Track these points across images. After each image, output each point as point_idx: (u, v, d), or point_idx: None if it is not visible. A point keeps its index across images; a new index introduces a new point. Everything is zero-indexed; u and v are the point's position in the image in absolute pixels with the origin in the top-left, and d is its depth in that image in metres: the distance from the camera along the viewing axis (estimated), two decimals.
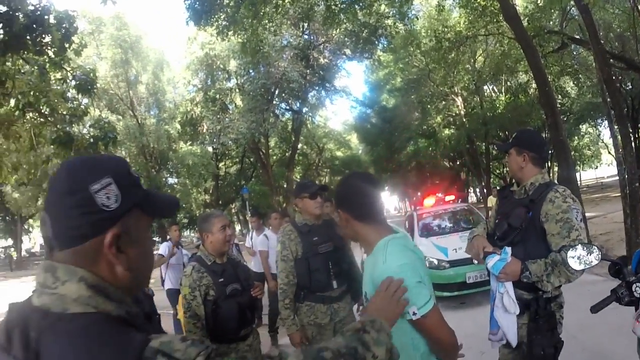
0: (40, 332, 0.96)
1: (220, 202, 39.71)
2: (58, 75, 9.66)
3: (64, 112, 9.94)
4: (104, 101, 29.46)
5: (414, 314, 1.74)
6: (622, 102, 28.41)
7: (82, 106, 10.57)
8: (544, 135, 28.84)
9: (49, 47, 8.69)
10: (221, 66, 27.74)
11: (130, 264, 1.10)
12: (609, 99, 10.13)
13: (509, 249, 2.70)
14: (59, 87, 9.58)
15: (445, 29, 21.92)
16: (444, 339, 1.81)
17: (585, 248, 2.29)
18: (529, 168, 2.95)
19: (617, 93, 10.67)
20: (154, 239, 43.03)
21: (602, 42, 18.61)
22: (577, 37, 15.10)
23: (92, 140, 9.63)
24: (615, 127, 10.28)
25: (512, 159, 3.01)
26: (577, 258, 2.29)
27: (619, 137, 10.24)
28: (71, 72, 9.74)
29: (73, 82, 9.56)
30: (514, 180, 3.15)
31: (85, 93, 9.74)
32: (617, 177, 10.33)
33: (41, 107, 9.27)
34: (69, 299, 1.00)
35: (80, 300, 1.01)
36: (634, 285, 2.23)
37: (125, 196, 1.09)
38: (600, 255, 2.28)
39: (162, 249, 7.95)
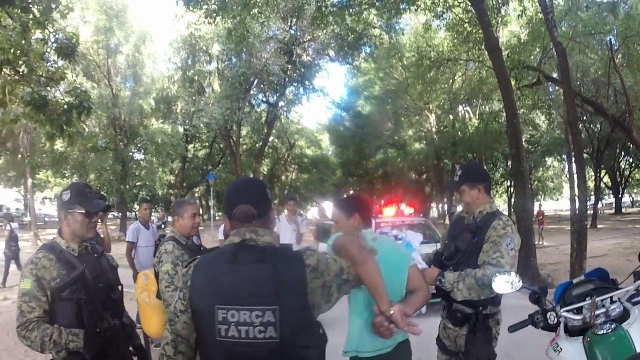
0: (265, 252, 1.90)
1: (184, 184, 39.37)
2: (39, 35, 9.54)
3: (41, 74, 9.81)
4: (81, 66, 28.88)
5: None
6: (587, 143, 29.54)
7: (60, 69, 10.44)
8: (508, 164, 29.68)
9: (36, 5, 8.64)
10: (204, 48, 27.58)
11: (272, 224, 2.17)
12: (571, 140, 10.65)
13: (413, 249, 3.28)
14: (39, 47, 9.46)
15: (429, 48, 22.39)
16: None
17: (509, 275, 2.59)
18: (483, 198, 3.23)
19: (579, 135, 11.18)
20: (114, 214, 42.47)
21: (578, 83, 19.26)
22: (553, 76, 15.53)
23: (66, 106, 9.51)
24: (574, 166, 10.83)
25: (467, 194, 3.25)
26: (502, 283, 2.58)
27: (576, 176, 10.79)
28: (53, 33, 9.65)
29: (54, 45, 9.48)
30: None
31: (65, 57, 9.68)
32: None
33: (19, 66, 9.16)
34: (268, 240, 1.98)
35: (269, 241, 1.98)
36: (549, 313, 2.58)
37: (270, 196, 2.17)
38: (520, 283, 2.58)
39: (130, 233, 7.23)
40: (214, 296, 1.86)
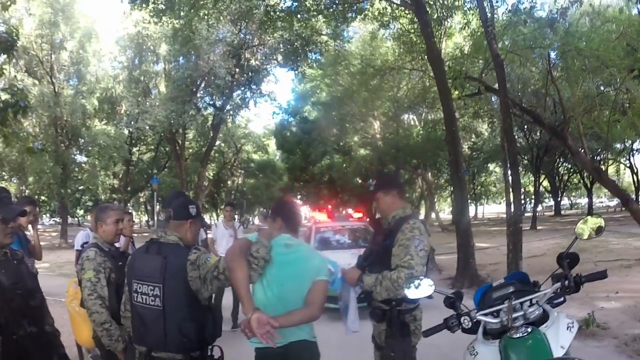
0: (161, 247, 2.75)
1: (129, 188, 38.43)
2: None
3: None
4: (23, 61, 27.92)
5: None
6: (527, 150, 30.47)
7: None
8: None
9: None
10: (151, 47, 27.13)
11: (193, 234, 2.92)
12: (506, 147, 11.11)
13: (338, 266, 3.38)
14: None
15: (373, 56, 22.74)
16: None
17: (420, 280, 2.69)
18: (397, 203, 3.48)
19: (514, 143, 11.71)
20: (55, 219, 40.60)
21: (519, 94, 19.88)
22: (495, 86, 15.98)
23: (1, 105, 9.14)
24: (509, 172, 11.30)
25: (381, 201, 3.51)
26: (414, 288, 2.67)
27: (510, 181, 11.26)
28: None
29: None
30: None
31: (4, 52, 9.35)
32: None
33: None
34: (173, 239, 2.79)
35: (176, 240, 2.79)
36: (462, 317, 2.62)
37: (197, 211, 2.93)
38: (433, 288, 2.66)
39: (79, 238, 6.44)
40: (132, 274, 2.81)
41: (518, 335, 2.39)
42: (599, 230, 2.75)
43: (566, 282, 2.58)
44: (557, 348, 2.33)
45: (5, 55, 9.70)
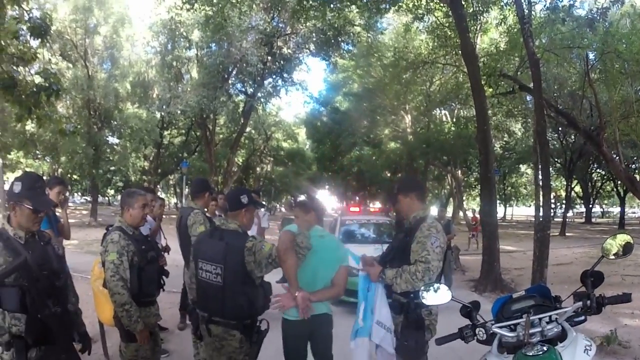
0: (224, 233, 3.37)
1: (159, 171, 38.90)
2: (14, 13, 9.30)
3: (14, 52, 9.55)
4: (58, 45, 28.28)
5: None
6: (560, 154, 29.76)
7: (32, 49, 10.20)
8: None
9: None
10: (184, 34, 27.21)
11: (248, 219, 3.54)
12: (538, 149, 10.84)
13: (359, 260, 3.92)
14: (12, 25, 9.20)
15: (406, 49, 22.47)
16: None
17: (437, 287, 2.72)
18: (416, 204, 3.84)
19: (546, 146, 11.40)
20: (87, 199, 41.27)
21: (555, 95, 19.43)
22: (530, 86, 15.67)
23: (35, 89, 9.28)
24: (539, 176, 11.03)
25: (402, 203, 3.89)
26: (432, 292, 2.72)
27: (541, 185, 10.97)
28: (27, 11, 9.42)
29: (28, 24, 9.24)
30: None
31: (38, 37, 9.45)
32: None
33: None
34: (232, 227, 3.40)
35: (235, 227, 3.40)
36: (478, 329, 2.59)
37: (249, 200, 3.47)
38: (450, 295, 2.68)
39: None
40: (197, 254, 3.41)
41: (532, 353, 2.30)
42: (627, 249, 2.66)
43: (588, 302, 2.49)
44: None
45: (39, 40, 9.77)
